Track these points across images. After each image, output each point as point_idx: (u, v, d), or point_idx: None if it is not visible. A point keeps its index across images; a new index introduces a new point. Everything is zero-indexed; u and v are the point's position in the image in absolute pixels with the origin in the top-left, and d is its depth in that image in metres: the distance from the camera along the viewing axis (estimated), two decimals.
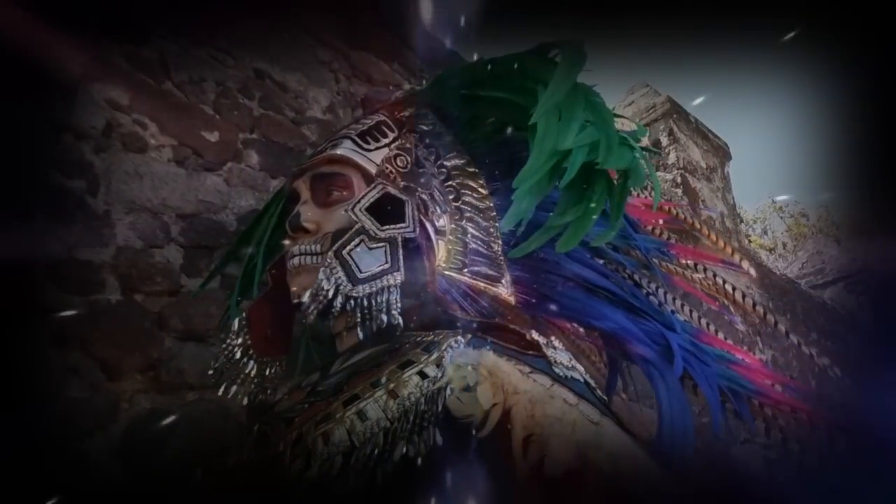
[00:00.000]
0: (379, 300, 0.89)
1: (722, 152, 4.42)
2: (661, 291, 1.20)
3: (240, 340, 1.04)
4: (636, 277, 1.20)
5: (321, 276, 0.90)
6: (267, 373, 1.06)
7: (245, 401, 1.04)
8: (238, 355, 1.04)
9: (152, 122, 1.53)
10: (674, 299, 1.21)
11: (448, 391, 0.74)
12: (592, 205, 0.89)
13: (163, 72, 1.60)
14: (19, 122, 1.08)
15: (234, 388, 1.03)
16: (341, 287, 0.88)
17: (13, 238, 1.11)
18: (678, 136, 3.89)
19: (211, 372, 1.04)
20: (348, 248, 0.92)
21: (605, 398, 0.88)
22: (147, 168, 1.48)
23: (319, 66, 1.98)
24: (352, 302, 0.88)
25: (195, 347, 1.44)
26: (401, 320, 0.88)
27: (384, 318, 0.88)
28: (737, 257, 1.30)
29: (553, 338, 0.95)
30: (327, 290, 0.89)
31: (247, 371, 1.03)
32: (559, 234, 0.90)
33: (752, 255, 4.05)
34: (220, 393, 1.03)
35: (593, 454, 0.67)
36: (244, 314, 1.06)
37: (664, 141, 3.84)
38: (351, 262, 0.91)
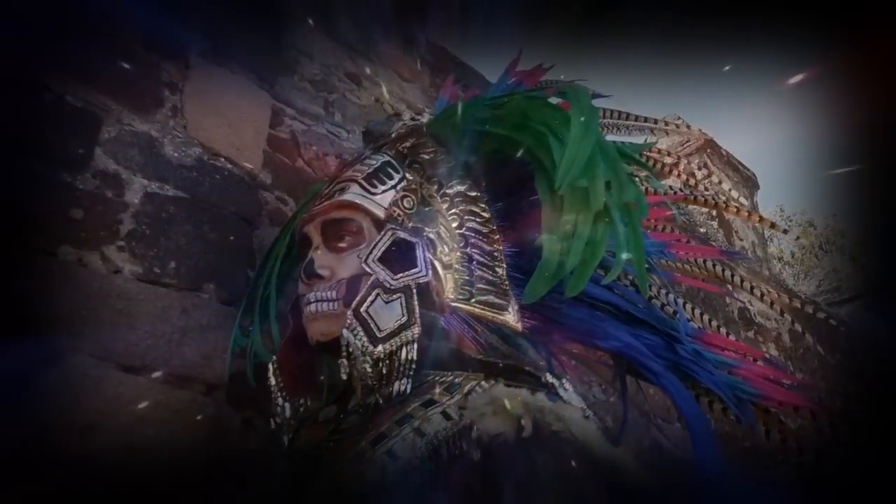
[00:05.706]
0: (398, 362, 0.93)
1: (751, 182, 4.63)
2: (663, 292, 1.22)
3: (274, 383, 1.08)
4: (637, 281, 1.20)
5: (346, 334, 0.92)
6: (299, 412, 1.08)
7: (286, 441, 1.06)
8: (280, 401, 1.07)
9: (290, 197, 1.73)
10: (676, 299, 1.24)
11: (474, 431, 0.77)
12: (595, 249, 0.96)
13: (295, 150, 1.80)
14: (223, 219, 1.28)
15: (284, 436, 1.06)
16: (366, 349, 0.92)
17: (207, 317, 1.32)
18: (712, 169, 4.10)
19: (273, 427, 1.08)
20: (365, 305, 0.94)
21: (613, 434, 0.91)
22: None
23: None
24: (374, 368, 0.92)
25: None
26: (409, 388, 0.92)
27: (397, 386, 0.92)
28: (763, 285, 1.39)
29: (565, 380, 0.99)
30: (353, 350, 0.93)
31: (286, 414, 1.06)
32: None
33: (782, 283, 4.25)
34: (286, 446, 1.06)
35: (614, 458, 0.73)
36: (275, 358, 1.10)
37: (699, 175, 4.02)
38: (370, 320, 0.93)
